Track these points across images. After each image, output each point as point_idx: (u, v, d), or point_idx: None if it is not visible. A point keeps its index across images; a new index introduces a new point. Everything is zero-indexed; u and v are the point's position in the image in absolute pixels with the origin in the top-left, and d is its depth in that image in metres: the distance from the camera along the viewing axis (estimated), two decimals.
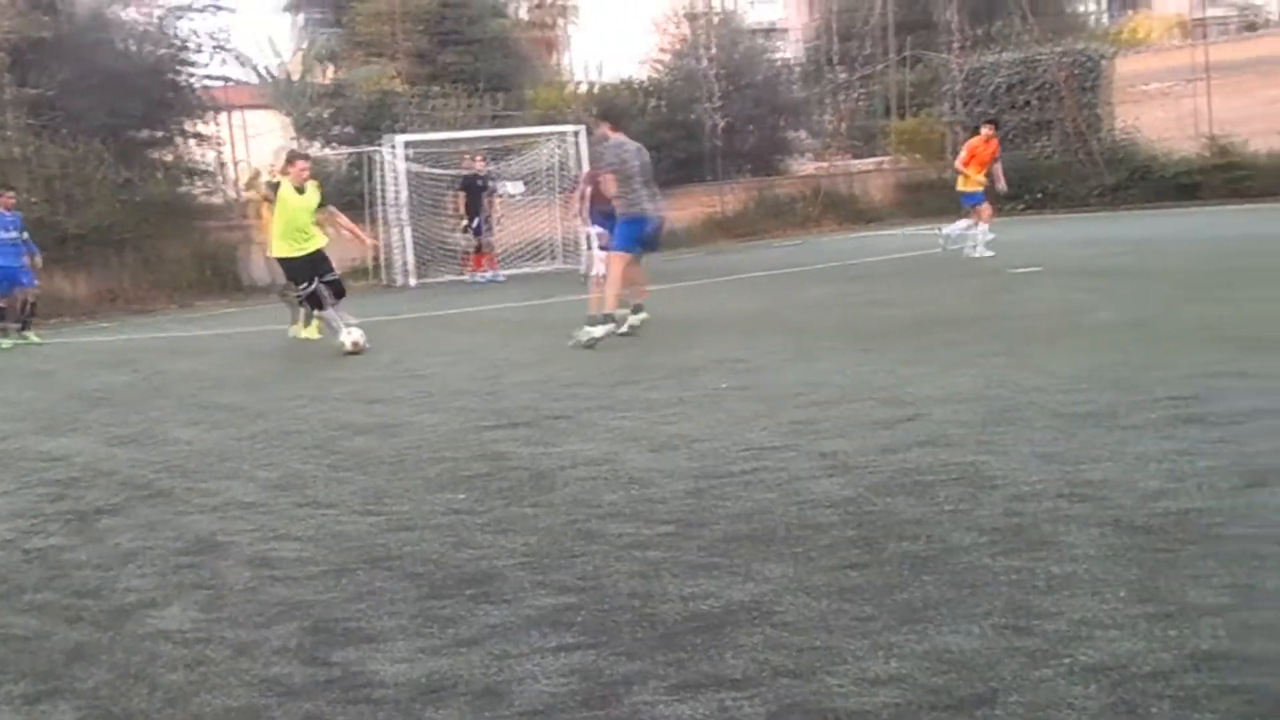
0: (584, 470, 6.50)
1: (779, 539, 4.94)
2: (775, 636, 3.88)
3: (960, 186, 20.13)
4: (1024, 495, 5.27)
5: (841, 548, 4.76)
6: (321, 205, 13.54)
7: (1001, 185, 20.28)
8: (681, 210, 28.66)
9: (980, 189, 19.77)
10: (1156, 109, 31.06)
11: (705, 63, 32.78)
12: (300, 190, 13.30)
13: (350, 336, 12.78)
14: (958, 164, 20.34)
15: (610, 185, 11.94)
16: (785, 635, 3.88)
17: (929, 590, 4.18)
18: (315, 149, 27.47)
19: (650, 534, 5.17)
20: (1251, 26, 37.84)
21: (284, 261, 13.50)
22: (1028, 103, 33.06)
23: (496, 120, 27.82)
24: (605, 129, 12.20)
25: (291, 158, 14.08)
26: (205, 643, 4.30)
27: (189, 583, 5.05)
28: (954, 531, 4.84)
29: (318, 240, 13.44)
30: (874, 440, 6.61)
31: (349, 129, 27.44)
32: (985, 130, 20.30)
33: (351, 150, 25.73)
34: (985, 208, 19.92)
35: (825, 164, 35.09)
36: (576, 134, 25.33)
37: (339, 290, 13.52)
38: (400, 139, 24.21)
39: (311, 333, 14.72)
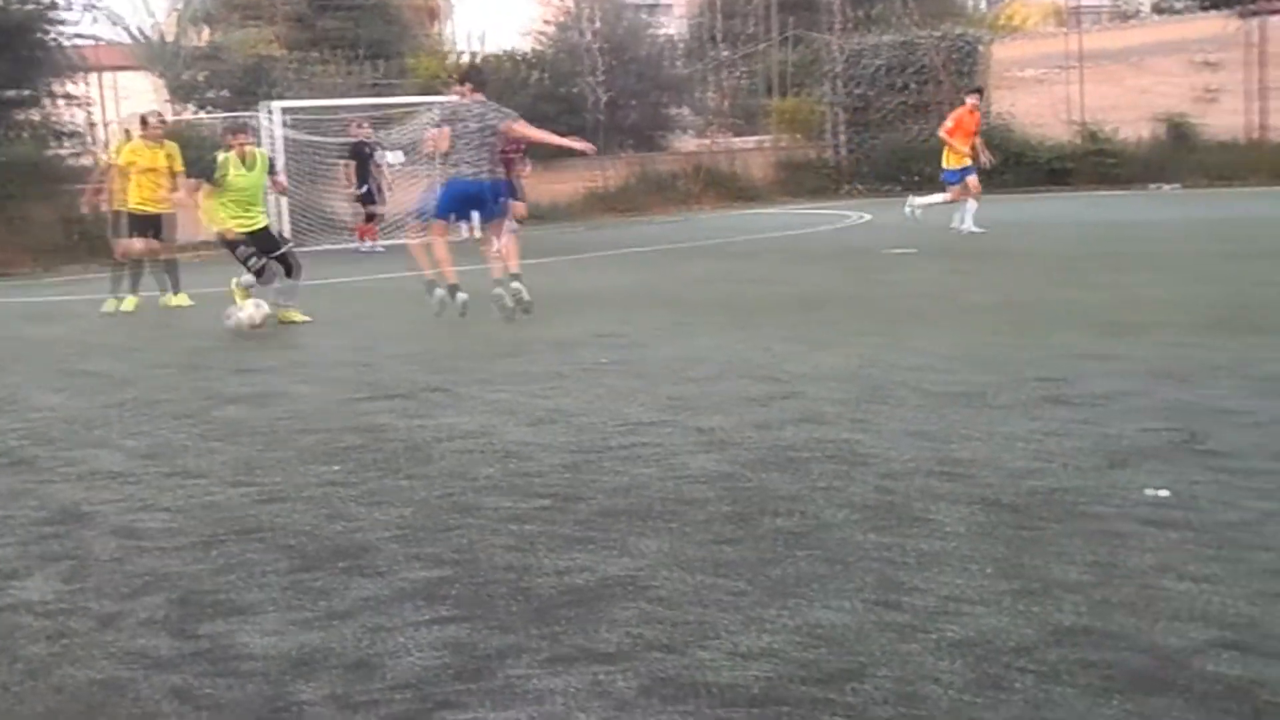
0: (460, 443, 6.46)
1: (655, 514, 4.96)
2: (649, 610, 3.90)
3: (945, 163, 19.48)
4: (895, 473, 5.36)
5: (716, 523, 4.79)
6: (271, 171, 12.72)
7: (986, 159, 19.78)
8: (563, 184, 28.61)
9: (967, 162, 19.19)
10: (1031, 95, 31.66)
11: (588, 36, 32.68)
12: (246, 164, 12.12)
13: (259, 311, 11.59)
14: (942, 133, 19.66)
15: (442, 143, 11.65)
16: (659, 609, 3.90)
17: (801, 566, 4.23)
18: (189, 113, 26.89)
19: (526, 508, 5.16)
20: (1124, 16, 38.67)
21: (228, 240, 12.19)
22: (906, 85, 33.50)
23: (377, 88, 27.48)
24: (465, 89, 11.94)
25: (233, 129, 12.59)
26: (68, 614, 4.20)
27: (52, 553, 4.92)
28: (827, 508, 4.90)
29: (263, 216, 12.47)
30: (750, 417, 6.67)
31: (225, 93, 26.90)
32: (971, 100, 19.78)
33: (227, 115, 25.23)
34: (973, 180, 19.23)
35: (707, 141, 35.24)
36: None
37: (288, 266, 12.30)
38: (278, 105, 23.76)
39: (183, 300, 14.39)
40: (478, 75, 12.73)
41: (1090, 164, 29.63)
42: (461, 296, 11.35)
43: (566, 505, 5.17)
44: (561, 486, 5.48)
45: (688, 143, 36.56)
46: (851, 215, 25.41)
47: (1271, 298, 10.18)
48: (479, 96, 11.69)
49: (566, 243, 20.49)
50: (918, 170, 32.08)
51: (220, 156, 12.19)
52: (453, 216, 11.64)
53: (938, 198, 19.97)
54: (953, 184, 19.36)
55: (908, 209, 20.48)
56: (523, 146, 20.16)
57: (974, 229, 18.79)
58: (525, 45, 34.90)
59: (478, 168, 11.37)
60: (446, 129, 11.41)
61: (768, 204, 31.22)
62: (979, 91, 20.55)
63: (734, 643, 3.60)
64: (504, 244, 11.84)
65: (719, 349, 9.08)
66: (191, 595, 4.32)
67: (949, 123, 19.70)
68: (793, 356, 8.55)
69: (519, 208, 19.94)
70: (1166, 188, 27.47)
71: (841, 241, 19.66)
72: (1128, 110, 29.55)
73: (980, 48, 33.37)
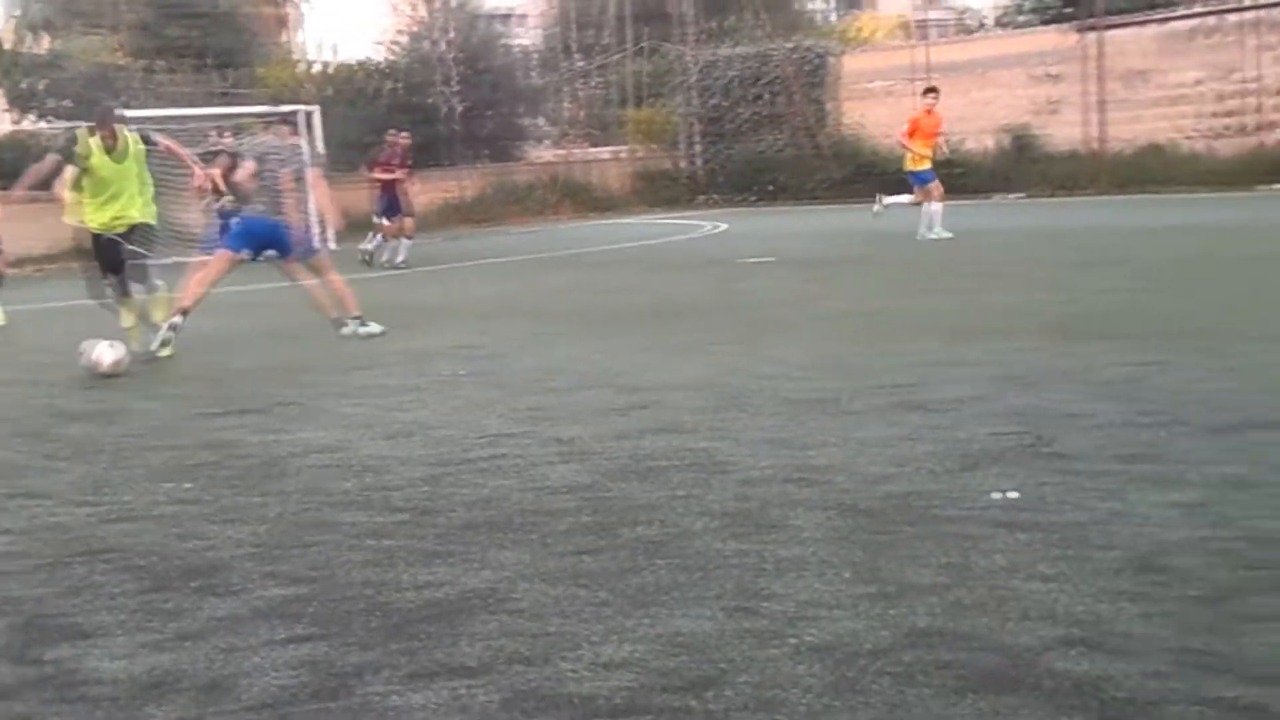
0: (316, 458, 6.36)
1: (515, 526, 4.94)
2: (510, 623, 3.87)
3: (909, 165, 19.12)
4: (754, 480, 5.40)
5: (577, 533, 4.78)
6: (149, 145, 10.88)
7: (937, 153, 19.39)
8: (419, 195, 28.36)
9: (928, 165, 18.82)
10: (881, 107, 32.25)
11: (443, 46, 32.50)
12: (115, 153, 10.48)
13: (112, 353, 9.55)
14: (901, 138, 19.36)
15: (207, 183, 11.64)
16: (520, 622, 3.88)
17: (661, 574, 4.24)
18: (29, 122, 26.12)
19: (384, 522, 5.10)
20: (968, 30, 39.64)
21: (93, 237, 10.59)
22: (759, 96, 33.92)
23: (226, 98, 26.97)
24: (285, 130, 11.98)
25: (102, 117, 10.69)
26: None
27: None
28: (686, 516, 4.92)
29: (137, 212, 10.59)
30: (609, 426, 6.68)
31: (66, 103, 26.17)
32: (929, 99, 19.41)
33: (69, 125, 24.51)
34: (936, 185, 18.89)
35: (563, 152, 35.28)
36: (310, 114, 24.75)
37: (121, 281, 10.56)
38: (122, 114, 23.14)
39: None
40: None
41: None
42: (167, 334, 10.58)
43: (425, 519, 5.12)
44: (420, 500, 5.42)
45: (544, 153, 36.58)
46: (708, 225, 25.61)
47: (1112, 305, 10.49)
48: (294, 140, 11.79)
49: (423, 254, 20.30)
50: (772, 180, 32.55)
51: (81, 133, 10.58)
52: (246, 252, 11.14)
53: (904, 198, 19.75)
54: (927, 184, 18.94)
55: (876, 208, 20.38)
56: (408, 162, 20.05)
57: (943, 234, 18.47)
58: (378, 55, 34.55)
59: (272, 208, 11.12)
60: (253, 165, 11.31)
61: (625, 214, 31.34)
62: (934, 90, 19.94)
63: (595, 653, 3.60)
64: (329, 284, 11.28)
65: (578, 359, 9.08)
66: (36, 619, 4.18)
67: (905, 126, 19.45)
68: (651, 366, 8.58)
69: (408, 223, 19.88)
70: (1011, 197, 28.18)
71: (698, 251, 19.80)
72: (973, 122, 30.25)
73: (830, 59, 33.92)
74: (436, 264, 19.32)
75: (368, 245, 20.03)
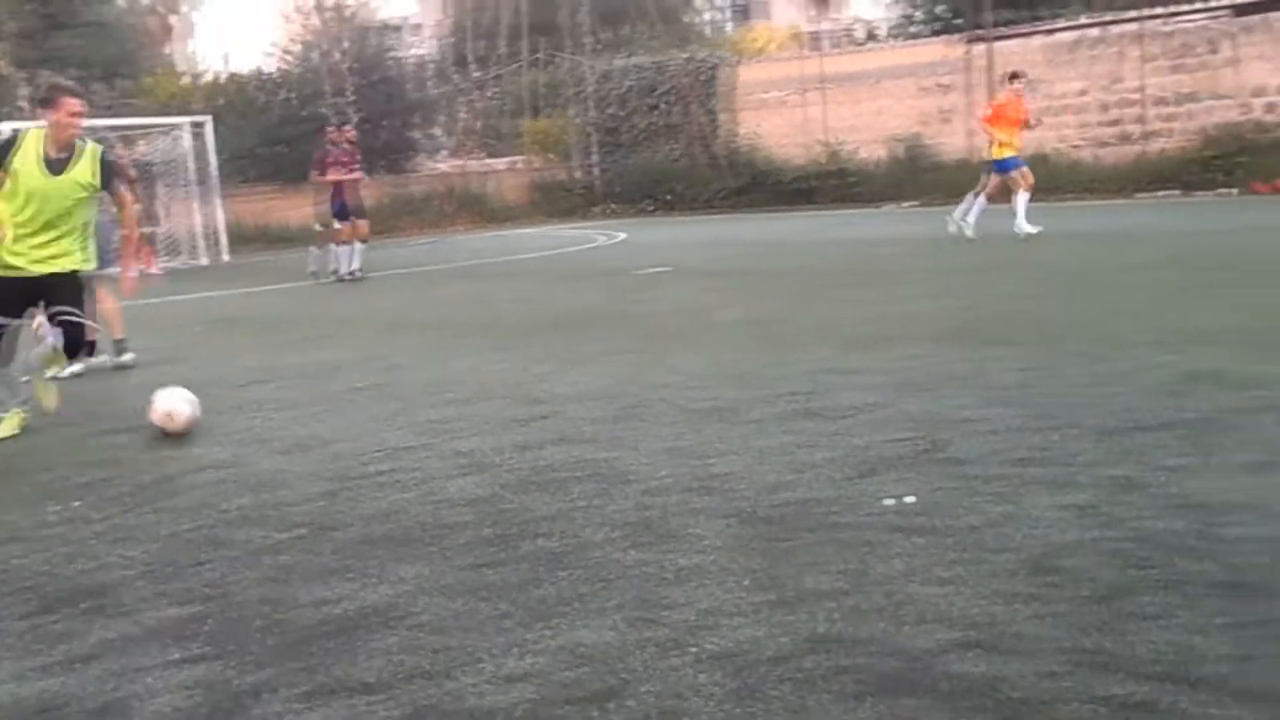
0: (210, 474, 6.26)
1: (415, 539, 4.90)
2: (410, 638, 3.84)
3: (994, 153, 17.84)
4: (654, 490, 5.41)
5: (477, 546, 4.76)
6: (112, 183, 7.93)
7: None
8: (313, 206, 28.07)
9: (1012, 153, 17.72)
10: (776, 116, 32.59)
11: (337, 56, 32.24)
12: (54, 165, 7.57)
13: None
14: (982, 124, 18.12)
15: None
16: (420, 636, 3.85)
17: (562, 586, 4.24)
18: None
19: (281, 538, 5.03)
20: (862, 40, 40.15)
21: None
22: (655, 107, 34.10)
23: (112, 109, 26.51)
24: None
25: (49, 96, 7.61)
26: None
27: None
28: (587, 527, 4.91)
29: (71, 256, 7.75)
30: (509, 438, 6.65)
31: None
32: (1016, 84, 18.14)
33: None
34: (1022, 173, 17.74)
35: (460, 162, 35.14)
36: (202, 125, 24.43)
37: (74, 341, 7.91)
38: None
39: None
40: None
41: (833, 183, 30.66)
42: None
43: (323, 534, 5.06)
44: (318, 515, 5.36)
45: (440, 164, 36.40)
46: (605, 235, 25.65)
47: (1004, 311, 10.67)
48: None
49: (320, 266, 20.10)
50: (669, 190, 32.69)
51: (21, 133, 7.72)
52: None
53: (976, 202, 18.28)
54: (1005, 173, 17.85)
55: (953, 227, 18.59)
56: (358, 157, 19.34)
57: (1028, 229, 17.48)
58: (270, 66, 34.17)
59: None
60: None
61: (522, 225, 31.30)
62: (1018, 76, 18.63)
63: (496, 666, 3.58)
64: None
65: (477, 370, 9.04)
66: None
67: (988, 110, 18.42)
68: (551, 376, 8.57)
69: (361, 226, 18.92)
70: (904, 206, 28.57)
71: (596, 261, 19.81)
72: (867, 131, 30.71)
73: (725, 70, 34.18)
74: (332, 276, 19.12)
75: (312, 266, 18.96)
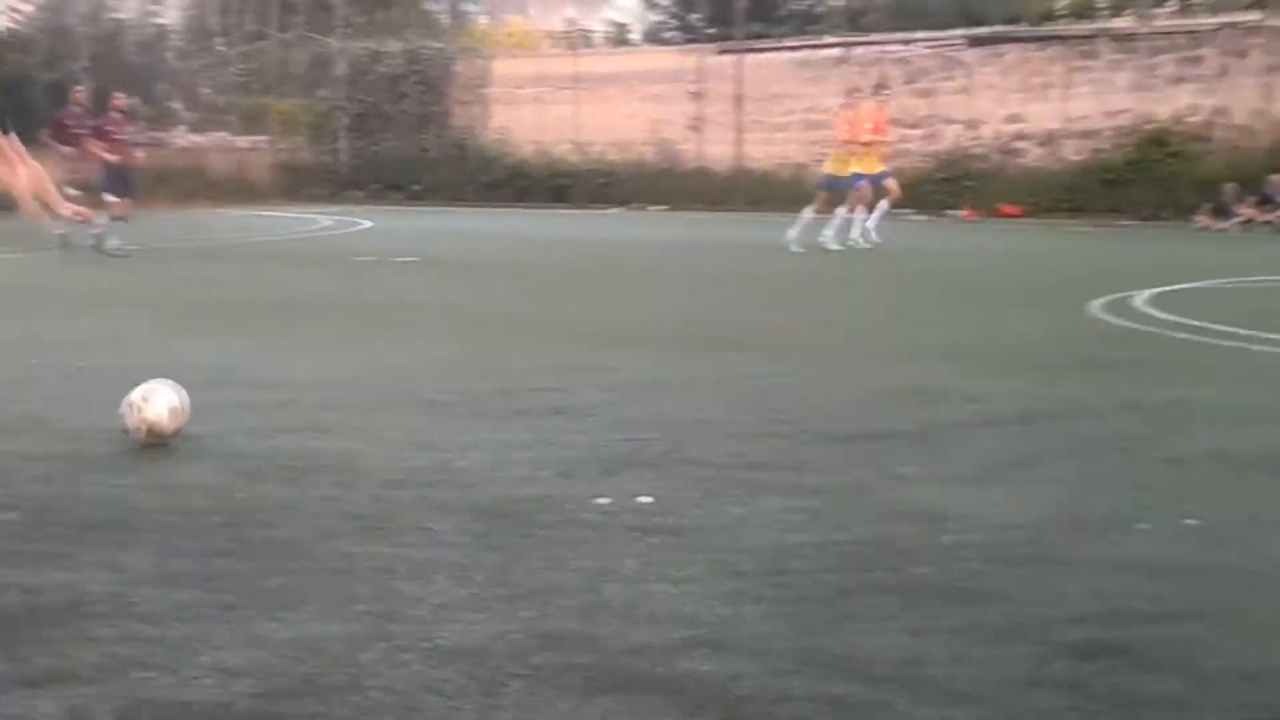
0: None
1: (139, 527, 4.70)
2: (129, 629, 3.68)
3: (847, 166, 17.76)
4: (393, 482, 5.34)
5: (205, 535, 4.60)
6: None
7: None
8: (68, 173, 26.81)
9: (880, 167, 17.70)
10: (530, 113, 32.59)
11: (72, 19, 30.82)
12: None
13: None
14: (844, 137, 17.97)
15: None
16: (142, 627, 3.70)
17: (294, 578, 4.13)
18: None
19: None
20: (619, 42, 40.49)
21: None
22: (409, 95, 33.68)
23: None
24: None
25: None
26: None
27: None
28: (324, 519, 4.81)
29: None
30: (243, 424, 6.46)
31: None
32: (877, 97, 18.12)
33: None
34: (887, 184, 17.91)
35: (203, 138, 34.02)
36: None
37: None
38: None
39: None
40: None
41: (584, 183, 30.85)
42: None
43: (40, 518, 4.81)
44: (35, 499, 5.09)
45: (183, 139, 35.17)
46: (352, 222, 25.20)
47: (745, 316, 10.94)
48: None
49: (44, 239, 19.16)
50: (419, 180, 32.37)
51: None
52: None
53: (879, 209, 18.33)
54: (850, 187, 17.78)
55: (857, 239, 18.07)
56: (88, 124, 17.95)
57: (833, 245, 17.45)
58: (1, 24, 32.47)
59: None
60: None
61: (266, 207, 30.48)
62: (883, 88, 18.94)
63: (221, 659, 3.47)
64: None
65: (209, 354, 8.74)
66: None
67: (845, 127, 18.23)
68: (289, 363, 8.37)
69: (122, 202, 17.36)
70: (654, 209, 28.97)
71: (342, 247, 19.46)
72: (621, 132, 30.99)
73: (481, 62, 34.05)
74: (46, 249, 18.23)
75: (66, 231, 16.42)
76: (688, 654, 3.51)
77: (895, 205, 18.79)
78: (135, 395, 5.94)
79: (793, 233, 17.65)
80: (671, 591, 4.01)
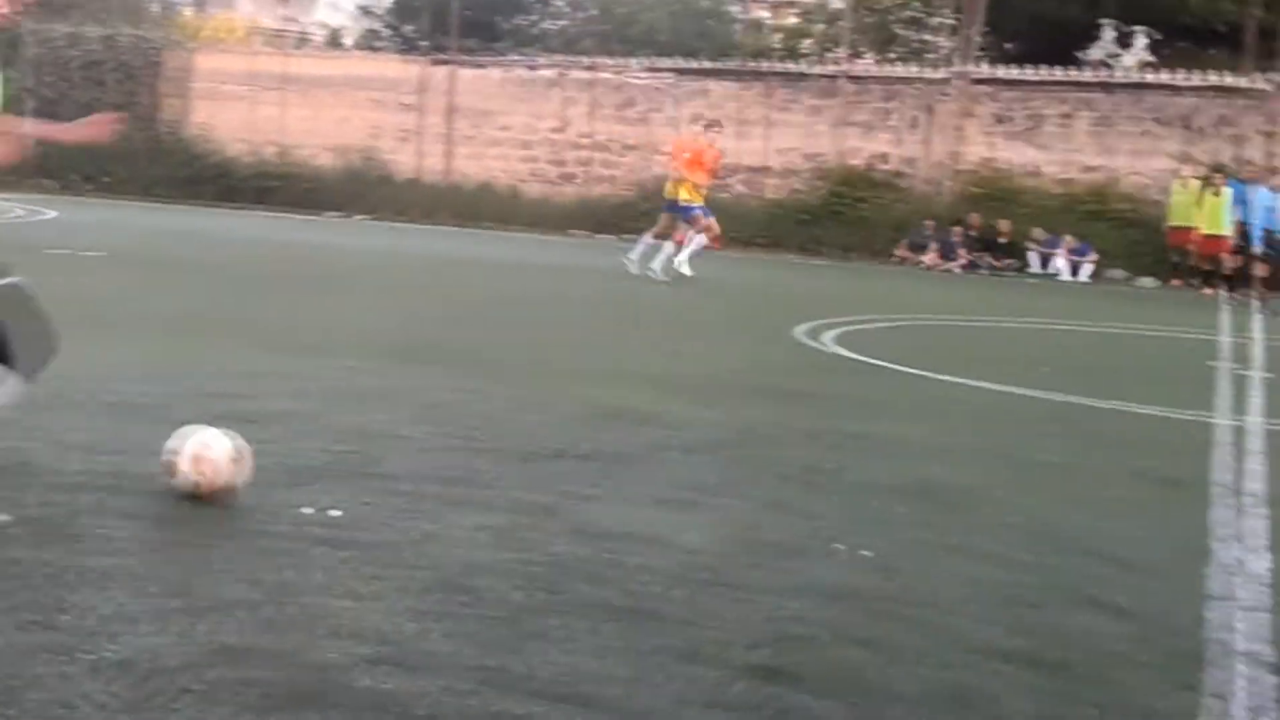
0: None
1: None
2: None
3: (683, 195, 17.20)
4: (64, 486, 5.09)
5: None
6: None
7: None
8: None
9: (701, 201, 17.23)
10: (232, 110, 31.63)
11: None
12: None
13: None
14: (678, 166, 17.44)
15: None
16: None
17: None
18: None
19: None
20: (331, 46, 39.79)
21: None
22: (102, 82, 32.19)
23: None
24: None
25: None
26: None
27: None
28: None
29: None
30: None
31: None
32: (712, 132, 17.71)
33: None
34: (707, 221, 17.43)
35: None
36: None
37: None
38: None
39: None
40: None
41: (290, 186, 30.14)
42: None
43: None
44: None
45: None
46: (33, 211, 23.90)
47: (450, 331, 10.90)
48: None
49: None
50: (110, 171, 30.97)
51: None
52: None
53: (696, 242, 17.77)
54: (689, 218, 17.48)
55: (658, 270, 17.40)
56: None
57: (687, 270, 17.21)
58: None
59: None
60: None
61: None
62: (718, 124, 18.53)
63: None
64: None
65: None
66: None
67: (686, 154, 17.62)
68: None
69: None
70: (356, 217, 28.52)
71: (20, 238, 18.44)
72: (328, 137, 30.43)
73: (182, 54, 32.90)
74: None
75: None
76: (370, 671, 3.48)
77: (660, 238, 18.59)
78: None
79: (634, 255, 17.66)
80: (354, 607, 3.97)
